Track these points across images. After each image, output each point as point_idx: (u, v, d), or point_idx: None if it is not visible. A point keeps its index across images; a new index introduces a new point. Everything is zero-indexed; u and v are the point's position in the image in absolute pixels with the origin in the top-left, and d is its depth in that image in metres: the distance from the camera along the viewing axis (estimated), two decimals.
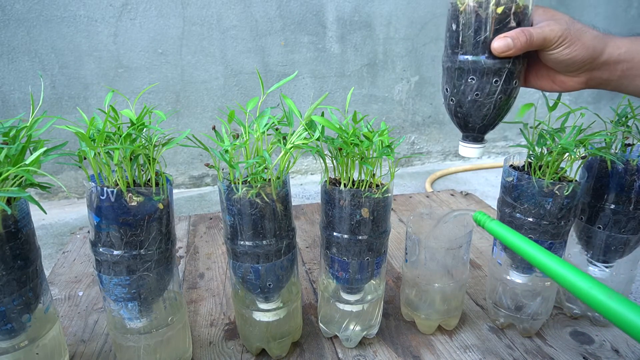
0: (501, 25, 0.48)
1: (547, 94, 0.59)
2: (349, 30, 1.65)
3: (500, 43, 0.47)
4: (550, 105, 0.59)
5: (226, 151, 0.50)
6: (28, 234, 0.47)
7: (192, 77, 1.55)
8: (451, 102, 0.53)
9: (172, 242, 0.53)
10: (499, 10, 0.47)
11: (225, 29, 1.53)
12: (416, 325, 0.69)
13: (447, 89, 0.53)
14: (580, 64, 0.50)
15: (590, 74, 0.52)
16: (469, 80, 0.50)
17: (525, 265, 0.62)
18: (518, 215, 0.59)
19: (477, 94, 0.51)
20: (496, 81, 0.50)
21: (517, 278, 0.63)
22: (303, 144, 0.50)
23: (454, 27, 0.50)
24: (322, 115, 0.52)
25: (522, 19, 0.49)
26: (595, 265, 0.66)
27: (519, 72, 0.51)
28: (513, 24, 0.48)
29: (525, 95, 1.86)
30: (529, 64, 0.54)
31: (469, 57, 0.50)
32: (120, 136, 0.47)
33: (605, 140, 0.59)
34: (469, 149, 0.56)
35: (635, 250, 0.64)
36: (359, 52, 1.70)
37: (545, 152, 0.58)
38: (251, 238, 0.52)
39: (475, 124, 0.53)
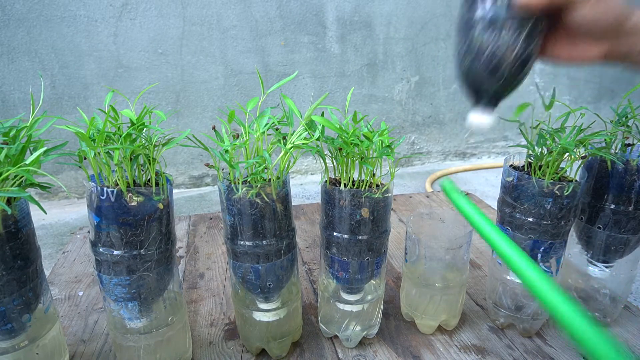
0: None
1: (542, 92, 0.58)
2: (349, 30, 1.65)
3: None
4: (547, 104, 0.59)
5: (226, 151, 0.50)
6: (28, 234, 0.47)
7: (192, 77, 1.55)
8: (465, 61, 0.49)
9: (172, 242, 0.53)
10: None
11: (225, 29, 1.53)
12: (416, 325, 0.69)
13: (461, 48, 0.50)
14: (605, 26, 0.47)
15: (611, 45, 0.49)
16: (488, 35, 0.47)
17: None
18: (518, 215, 0.59)
19: (495, 51, 0.47)
20: (517, 37, 0.47)
21: (517, 278, 0.63)
22: (303, 144, 0.50)
23: None
24: (322, 115, 0.52)
25: None
26: (595, 265, 0.66)
27: (540, 31, 0.48)
28: None
29: (523, 95, 1.86)
30: (548, 30, 0.50)
31: (489, 10, 0.46)
32: (120, 136, 0.47)
33: (605, 140, 0.59)
34: (480, 117, 0.51)
35: (635, 250, 0.64)
36: (359, 52, 1.70)
37: (545, 152, 0.58)
38: (251, 238, 0.52)
39: (490, 86, 0.50)
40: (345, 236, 0.55)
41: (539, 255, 0.60)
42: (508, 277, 0.64)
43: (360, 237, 0.55)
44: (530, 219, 0.58)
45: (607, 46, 0.49)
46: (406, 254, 0.66)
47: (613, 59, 0.50)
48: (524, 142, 0.59)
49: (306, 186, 1.69)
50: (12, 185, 0.43)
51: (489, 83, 0.50)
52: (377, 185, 0.56)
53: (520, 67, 0.49)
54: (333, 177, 0.59)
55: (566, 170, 0.60)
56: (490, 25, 0.47)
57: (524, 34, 0.47)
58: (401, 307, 0.71)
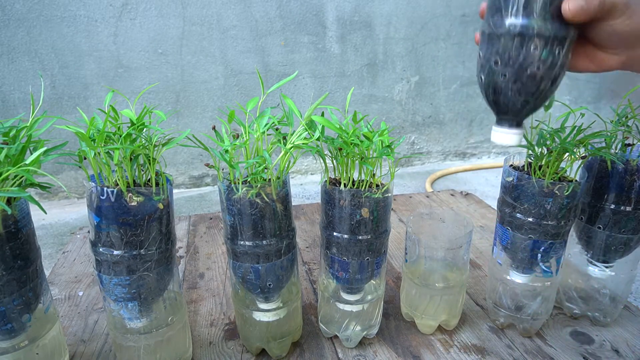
0: None
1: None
2: (349, 30, 1.65)
3: (575, 4, 0.41)
4: (546, 104, 0.58)
5: (226, 151, 0.50)
6: (28, 234, 0.47)
7: (192, 77, 1.55)
8: (491, 77, 0.45)
9: (172, 242, 0.53)
10: None
11: (225, 29, 1.53)
12: (416, 325, 0.69)
13: (496, 62, 0.45)
14: (636, 37, 0.44)
15: (633, 52, 0.47)
16: (521, 49, 0.43)
17: (525, 265, 0.62)
18: (518, 215, 0.59)
19: (538, 66, 0.43)
20: (559, 51, 0.43)
21: (517, 278, 0.63)
22: (303, 144, 0.50)
23: None
24: (322, 115, 0.52)
25: None
26: (596, 265, 0.66)
27: (573, 43, 0.45)
28: None
29: None
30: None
31: (534, 22, 0.42)
32: (120, 136, 0.47)
33: (605, 140, 0.59)
34: (508, 136, 0.48)
35: (635, 250, 0.64)
36: (359, 52, 1.70)
37: (545, 152, 0.58)
38: (251, 238, 0.52)
39: (520, 104, 0.46)
40: (345, 236, 0.55)
41: (539, 255, 0.60)
42: (508, 277, 0.64)
43: (360, 237, 0.55)
44: (530, 219, 0.58)
45: (627, 54, 0.47)
46: (406, 253, 0.66)
47: (630, 67, 0.49)
48: (524, 142, 0.59)
49: (306, 186, 1.69)
50: (12, 185, 0.43)
51: (519, 101, 0.46)
52: (377, 185, 0.56)
53: (554, 84, 0.45)
54: (333, 177, 0.59)
55: (566, 170, 0.60)
56: (524, 38, 0.43)
57: (566, 46, 0.43)
58: (401, 308, 0.71)
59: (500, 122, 0.49)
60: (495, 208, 0.65)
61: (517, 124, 0.48)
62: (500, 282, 0.66)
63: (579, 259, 0.68)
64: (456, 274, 0.64)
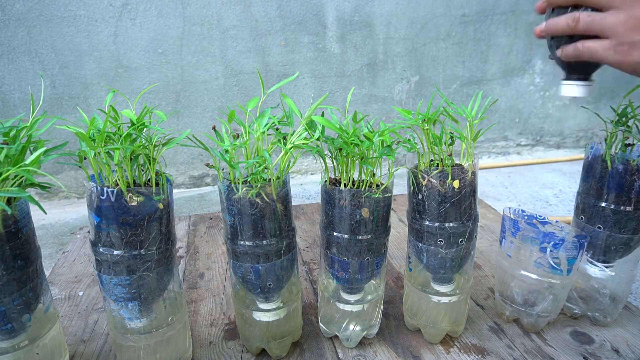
0: None
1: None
2: (349, 30, 1.65)
3: None
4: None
5: (226, 151, 0.50)
6: (28, 234, 0.47)
7: (192, 77, 1.55)
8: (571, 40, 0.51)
9: (172, 242, 0.53)
10: None
11: (225, 29, 1.53)
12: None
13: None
14: None
15: None
16: None
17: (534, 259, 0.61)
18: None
19: None
20: None
21: (530, 273, 0.63)
22: (303, 144, 0.50)
23: None
24: (322, 115, 0.52)
25: None
26: (596, 265, 0.66)
27: None
28: None
29: (524, 94, 1.86)
30: None
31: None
32: (121, 136, 0.47)
33: (605, 140, 0.59)
34: (576, 87, 0.54)
35: (635, 250, 0.64)
36: (359, 52, 1.70)
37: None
38: (251, 238, 0.52)
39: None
40: (345, 236, 0.55)
41: (548, 249, 0.60)
42: (521, 272, 0.63)
43: (360, 237, 0.55)
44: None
45: None
46: (410, 262, 0.64)
47: None
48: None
49: (306, 186, 1.69)
50: (12, 185, 0.43)
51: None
52: (377, 185, 0.56)
53: None
54: (333, 177, 0.59)
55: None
56: None
57: None
58: (405, 319, 0.69)
59: (568, 76, 0.55)
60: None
61: (585, 77, 0.54)
62: (511, 276, 0.65)
63: None
64: (462, 281, 0.63)
